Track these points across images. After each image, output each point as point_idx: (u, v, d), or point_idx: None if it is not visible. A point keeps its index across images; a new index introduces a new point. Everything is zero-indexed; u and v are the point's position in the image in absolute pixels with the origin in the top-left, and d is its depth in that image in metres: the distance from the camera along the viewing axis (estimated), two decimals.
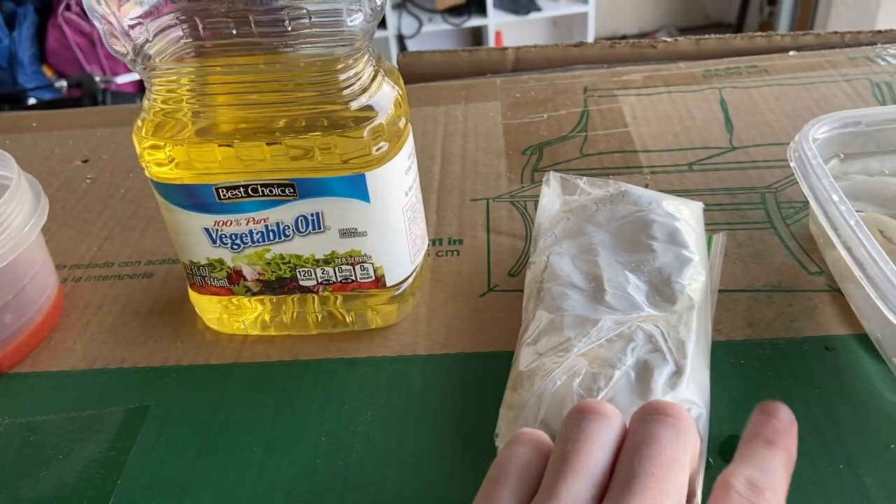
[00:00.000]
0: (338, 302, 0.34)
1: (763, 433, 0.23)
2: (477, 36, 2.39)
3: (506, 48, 0.57)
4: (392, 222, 0.32)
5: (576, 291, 0.32)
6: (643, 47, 0.55)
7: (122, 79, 1.44)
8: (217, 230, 0.31)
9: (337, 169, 0.30)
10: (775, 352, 0.31)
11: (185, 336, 0.35)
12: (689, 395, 0.28)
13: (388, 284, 0.33)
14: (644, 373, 0.28)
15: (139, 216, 0.44)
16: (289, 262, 0.32)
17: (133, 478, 0.29)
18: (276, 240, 0.32)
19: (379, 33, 1.96)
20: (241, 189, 0.30)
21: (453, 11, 2.21)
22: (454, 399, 0.31)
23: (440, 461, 0.28)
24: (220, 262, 0.32)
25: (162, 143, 0.29)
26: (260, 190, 0.30)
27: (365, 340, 0.34)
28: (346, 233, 0.31)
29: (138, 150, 0.30)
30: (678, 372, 0.28)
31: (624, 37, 2.61)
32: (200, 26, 0.28)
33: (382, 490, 0.27)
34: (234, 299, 0.34)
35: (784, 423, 0.24)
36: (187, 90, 0.29)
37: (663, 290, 0.31)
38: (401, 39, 2.23)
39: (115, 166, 0.49)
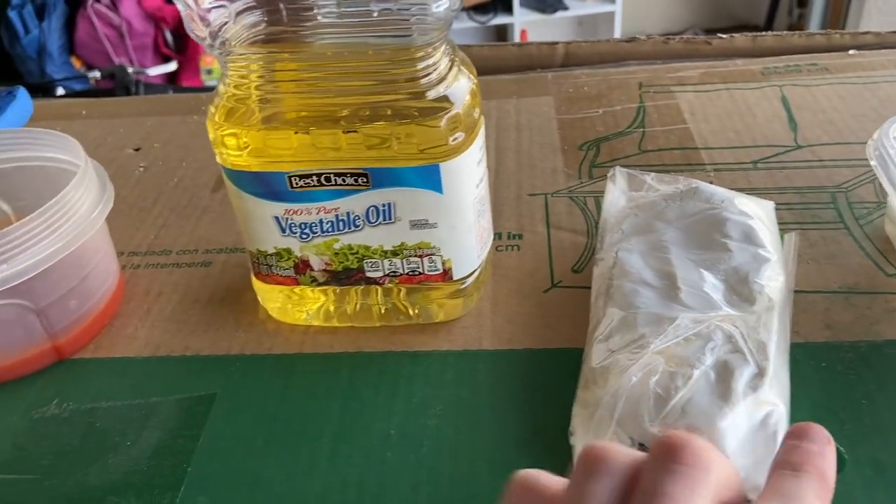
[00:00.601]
0: (401, 294, 0.34)
1: (790, 459, 0.21)
2: (502, 34, 2.38)
3: (556, 43, 0.57)
4: (463, 214, 0.31)
5: (647, 289, 0.31)
6: (698, 43, 0.54)
7: (153, 71, 1.45)
8: (287, 219, 0.31)
9: (412, 159, 0.29)
10: (857, 355, 0.30)
11: (247, 325, 0.35)
12: (772, 397, 0.27)
13: (454, 278, 0.33)
14: (724, 373, 0.27)
15: (193, 205, 0.44)
16: (357, 253, 0.32)
17: (203, 466, 0.28)
18: (346, 230, 0.31)
19: None
20: (315, 177, 0.30)
21: (479, 9, 2.20)
22: (524, 395, 0.30)
23: (514, 457, 0.28)
24: (288, 251, 0.32)
25: (238, 130, 0.29)
26: (333, 179, 0.30)
27: (429, 334, 0.34)
28: (417, 224, 0.31)
29: (212, 136, 0.30)
30: (760, 374, 0.27)
31: (650, 37, 2.59)
32: (284, 11, 0.27)
33: (456, 485, 0.27)
34: (298, 289, 0.34)
35: (816, 446, 0.21)
36: (257, 76, 0.29)
37: (741, 290, 0.30)
38: None
39: (167, 155, 0.49)
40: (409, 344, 0.33)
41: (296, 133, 0.29)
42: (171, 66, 1.51)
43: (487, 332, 0.33)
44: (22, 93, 0.50)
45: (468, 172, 0.31)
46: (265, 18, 0.28)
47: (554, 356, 0.32)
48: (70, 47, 1.82)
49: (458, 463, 0.28)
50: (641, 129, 0.46)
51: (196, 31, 0.28)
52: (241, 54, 0.29)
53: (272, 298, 0.35)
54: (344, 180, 0.30)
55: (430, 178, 0.30)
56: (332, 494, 0.27)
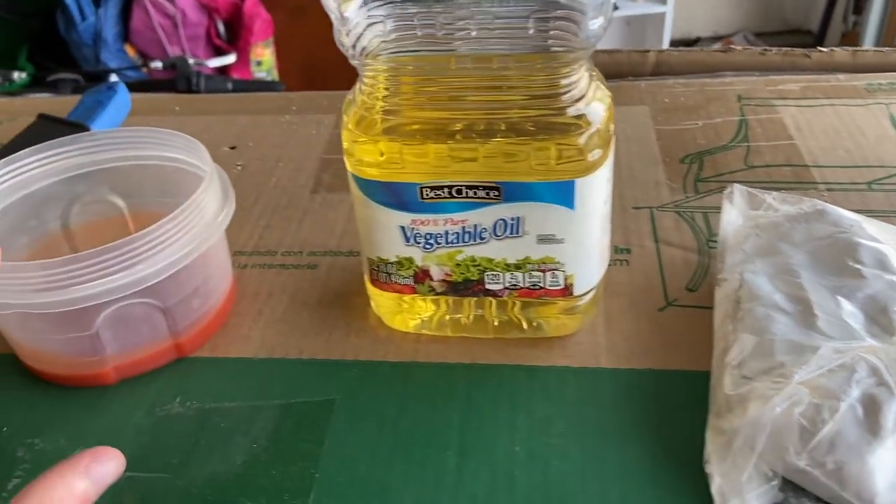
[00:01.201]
0: (516, 308, 0.33)
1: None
2: None
3: (647, 50, 0.56)
4: (591, 231, 0.31)
5: (781, 314, 0.30)
6: (796, 56, 0.53)
7: (212, 63, 1.47)
8: (413, 229, 0.31)
9: (547, 174, 0.29)
10: None
11: (359, 330, 0.35)
12: None
13: (574, 293, 0.32)
14: (872, 407, 0.26)
15: (294, 206, 0.44)
16: (479, 265, 0.32)
17: (330, 473, 0.28)
18: (471, 242, 0.31)
19: None
20: (446, 189, 0.30)
21: None
22: (650, 417, 0.30)
23: (645, 482, 0.27)
24: (410, 260, 0.32)
25: (374, 140, 0.29)
26: (464, 191, 0.30)
27: (542, 348, 0.33)
28: (544, 239, 0.31)
29: (346, 145, 0.30)
30: None
31: (698, 39, 2.55)
32: (436, 23, 0.27)
33: None
34: (409, 297, 0.34)
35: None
36: (383, 87, 0.29)
37: (880, 320, 0.29)
38: None
39: (262, 154, 0.49)
40: (524, 358, 0.33)
41: (434, 144, 0.29)
42: (230, 59, 1.53)
43: (603, 350, 0.33)
44: (121, 88, 0.51)
45: (599, 189, 0.30)
46: (414, 29, 0.28)
47: (677, 378, 0.31)
48: (125, 35, 1.85)
49: (587, 486, 0.27)
50: (745, 144, 0.45)
51: (342, 39, 0.28)
52: (372, 65, 0.29)
53: (384, 304, 0.35)
54: (475, 193, 0.30)
55: (563, 194, 0.29)
56: None
